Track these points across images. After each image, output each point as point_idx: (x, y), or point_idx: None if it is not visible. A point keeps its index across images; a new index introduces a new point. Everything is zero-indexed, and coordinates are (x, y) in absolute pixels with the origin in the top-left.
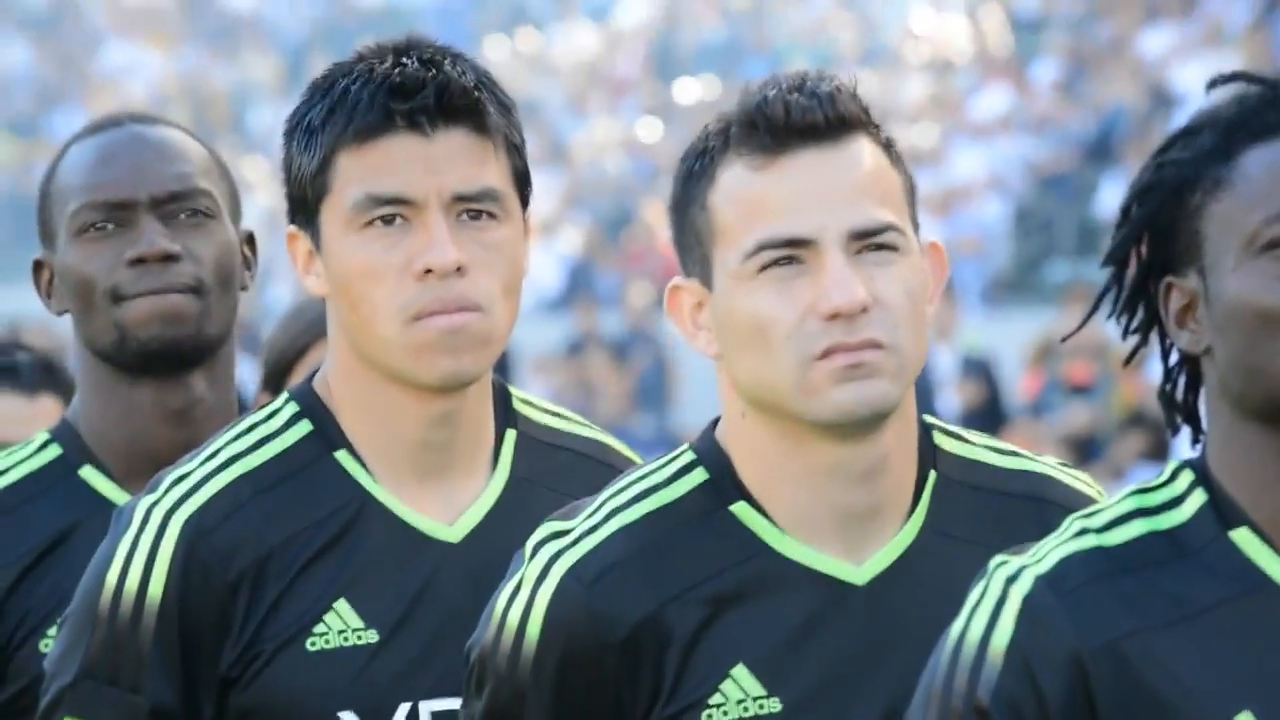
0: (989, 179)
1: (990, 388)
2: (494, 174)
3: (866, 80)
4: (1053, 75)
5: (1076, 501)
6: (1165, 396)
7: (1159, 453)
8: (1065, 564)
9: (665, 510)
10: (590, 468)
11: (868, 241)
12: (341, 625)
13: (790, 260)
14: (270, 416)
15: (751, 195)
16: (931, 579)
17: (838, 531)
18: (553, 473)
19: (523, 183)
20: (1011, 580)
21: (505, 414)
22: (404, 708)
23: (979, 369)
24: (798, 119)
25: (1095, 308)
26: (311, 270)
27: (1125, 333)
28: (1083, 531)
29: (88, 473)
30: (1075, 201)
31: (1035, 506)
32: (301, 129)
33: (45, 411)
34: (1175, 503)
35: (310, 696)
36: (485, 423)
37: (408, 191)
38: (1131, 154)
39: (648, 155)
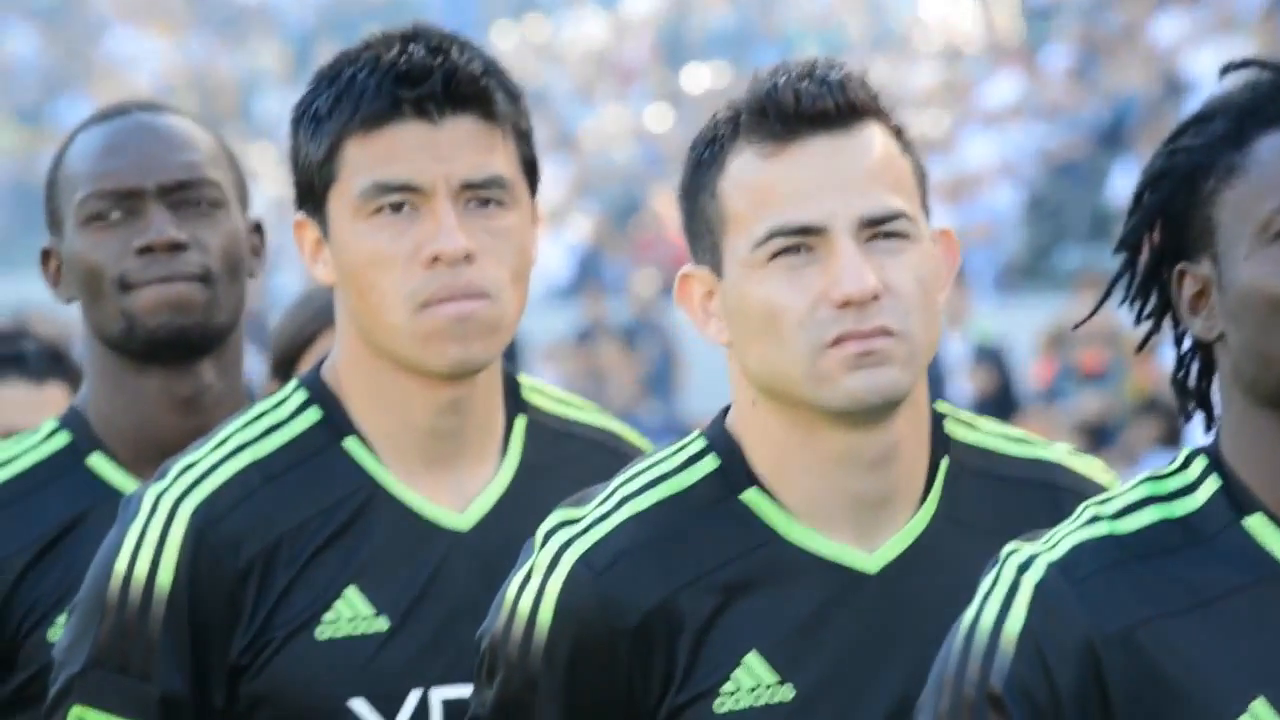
0: (1000, 166)
1: (1002, 375)
2: (502, 161)
3: (876, 67)
4: (1064, 62)
5: (1089, 488)
6: (1178, 383)
7: (1172, 440)
8: (1078, 551)
9: (676, 498)
10: (601, 455)
11: (878, 229)
12: (352, 613)
13: (801, 248)
14: (279, 404)
15: (762, 183)
16: (944, 566)
17: (849, 519)
18: (563, 460)
19: (531, 170)
20: (1024, 568)
21: (514, 401)
22: (414, 695)
23: (991, 356)
24: (808, 106)
25: (1107, 294)
26: (319, 258)
27: (1138, 319)
28: (1095, 519)
29: (96, 461)
30: (1087, 188)
31: (1048, 493)
32: (309, 117)
33: (53, 400)
34: (1188, 490)
35: (320, 684)
36: (494, 410)
37: (415, 179)
38: (1144, 141)
39: (657, 143)
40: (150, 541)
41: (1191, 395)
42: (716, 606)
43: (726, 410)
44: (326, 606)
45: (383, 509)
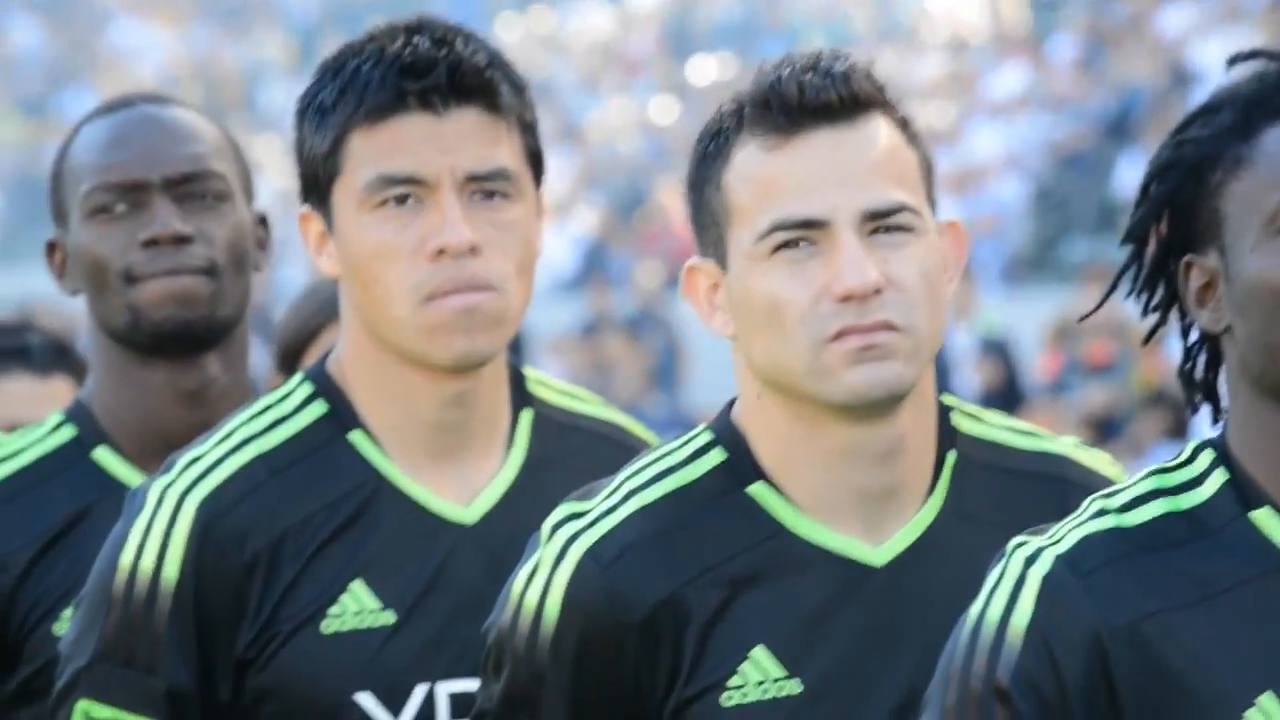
0: (1006, 158)
1: (1008, 368)
2: (507, 153)
3: (882, 58)
4: (1071, 53)
5: (1096, 482)
6: (1185, 376)
7: (1179, 432)
8: (1084, 544)
9: (683, 491)
10: (607, 448)
11: (882, 222)
12: (358, 606)
13: (804, 241)
14: (284, 398)
15: (765, 175)
16: (951, 560)
17: (856, 512)
18: (569, 453)
19: (536, 162)
20: (1030, 561)
21: (520, 394)
22: (421, 689)
23: (997, 349)
24: (811, 99)
25: (1114, 286)
26: (324, 251)
27: (1144, 311)
28: (1102, 512)
29: (101, 454)
30: (1094, 180)
31: (1055, 487)
32: (313, 109)
33: (57, 393)
34: (1195, 482)
35: (327, 678)
36: (500, 403)
37: (420, 171)
38: (1151, 132)
39: (662, 135)
40: (156, 535)
41: (1198, 388)
42: (723, 600)
43: (732, 403)
44: (332, 600)
45: (388, 502)
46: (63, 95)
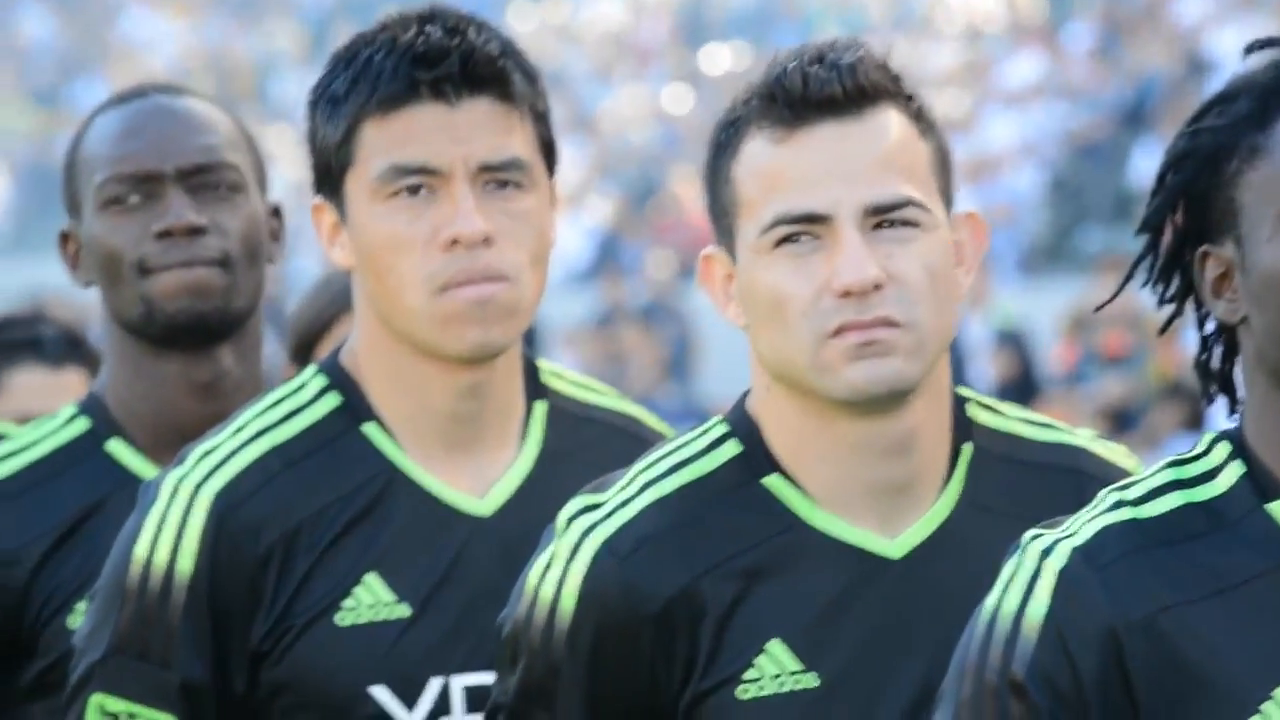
0: (1022, 147)
1: (1023, 359)
2: (520, 143)
3: (897, 47)
4: (1086, 41)
5: (1113, 474)
6: (1201, 367)
7: (1195, 424)
8: (1100, 537)
9: (698, 483)
10: (621, 440)
11: (886, 217)
12: (372, 599)
13: (806, 235)
14: (298, 389)
15: (770, 169)
16: (967, 552)
17: (871, 505)
18: (584, 445)
19: (549, 152)
20: (1046, 553)
21: (534, 386)
22: (435, 682)
23: (1012, 340)
24: (815, 91)
25: (1129, 277)
26: (337, 242)
27: (1160, 302)
28: (1118, 504)
29: (115, 446)
30: (1109, 169)
31: (1072, 479)
32: (325, 99)
33: (70, 385)
34: (1211, 474)
35: (341, 671)
36: (514, 394)
37: (433, 161)
38: (1166, 121)
39: (675, 125)
40: (170, 527)
41: (1214, 379)
42: (739, 592)
43: (747, 394)
44: (346, 593)
45: (402, 494)
46: (74, 85)
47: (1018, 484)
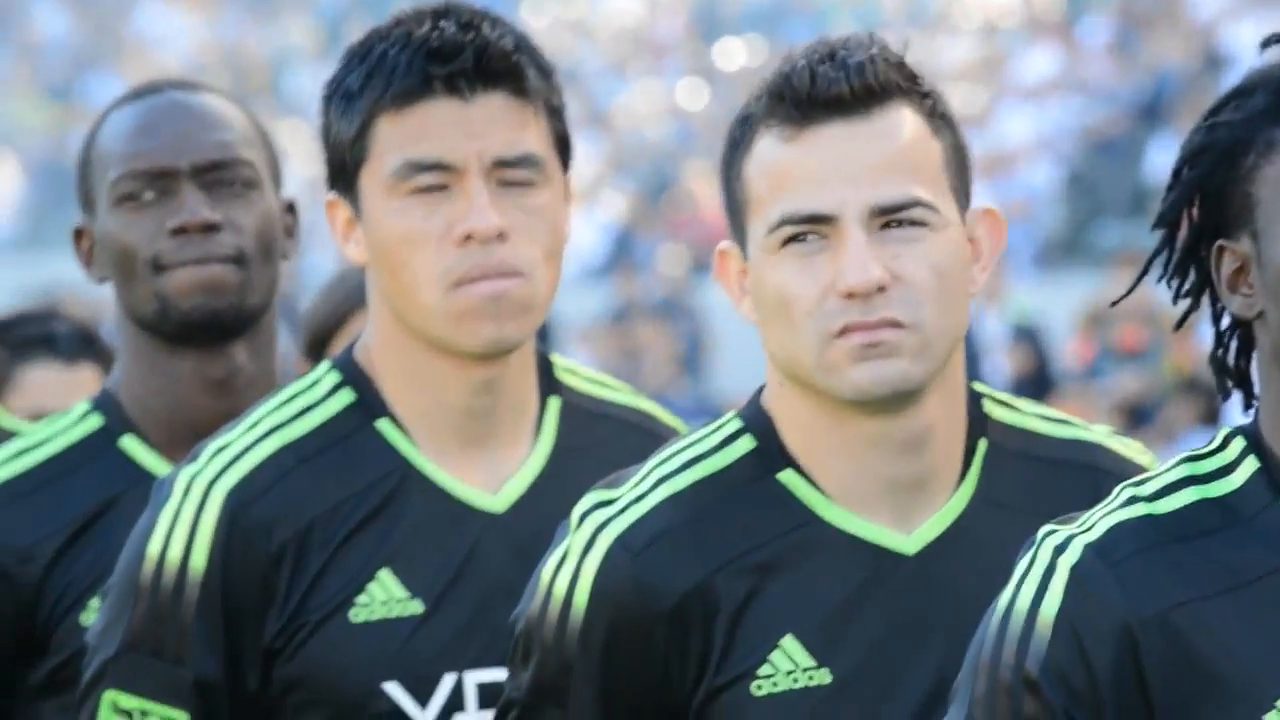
0: (1038, 142)
1: (1039, 354)
2: (534, 138)
3: (912, 42)
4: (1103, 36)
5: (1129, 470)
6: (1217, 362)
7: (1211, 419)
8: (1114, 533)
9: (713, 478)
10: (635, 436)
11: (893, 217)
12: (385, 596)
13: (812, 235)
14: (311, 386)
15: (778, 168)
16: (982, 548)
17: (885, 501)
18: (597, 441)
19: (563, 147)
20: (1060, 550)
21: (548, 382)
22: (449, 679)
23: (1028, 335)
24: (823, 91)
25: (1145, 272)
26: (351, 238)
27: (1176, 297)
28: (1132, 500)
29: (128, 443)
30: (1126, 164)
31: (1088, 475)
32: (340, 95)
33: (84, 381)
34: (1226, 470)
35: (355, 667)
36: (528, 390)
37: (447, 157)
38: (1183, 115)
39: (690, 120)
40: (183, 524)
41: (1230, 374)
42: (753, 588)
43: (761, 390)
44: (360, 589)
45: (416, 491)
46: (88, 81)
47: (1033, 480)
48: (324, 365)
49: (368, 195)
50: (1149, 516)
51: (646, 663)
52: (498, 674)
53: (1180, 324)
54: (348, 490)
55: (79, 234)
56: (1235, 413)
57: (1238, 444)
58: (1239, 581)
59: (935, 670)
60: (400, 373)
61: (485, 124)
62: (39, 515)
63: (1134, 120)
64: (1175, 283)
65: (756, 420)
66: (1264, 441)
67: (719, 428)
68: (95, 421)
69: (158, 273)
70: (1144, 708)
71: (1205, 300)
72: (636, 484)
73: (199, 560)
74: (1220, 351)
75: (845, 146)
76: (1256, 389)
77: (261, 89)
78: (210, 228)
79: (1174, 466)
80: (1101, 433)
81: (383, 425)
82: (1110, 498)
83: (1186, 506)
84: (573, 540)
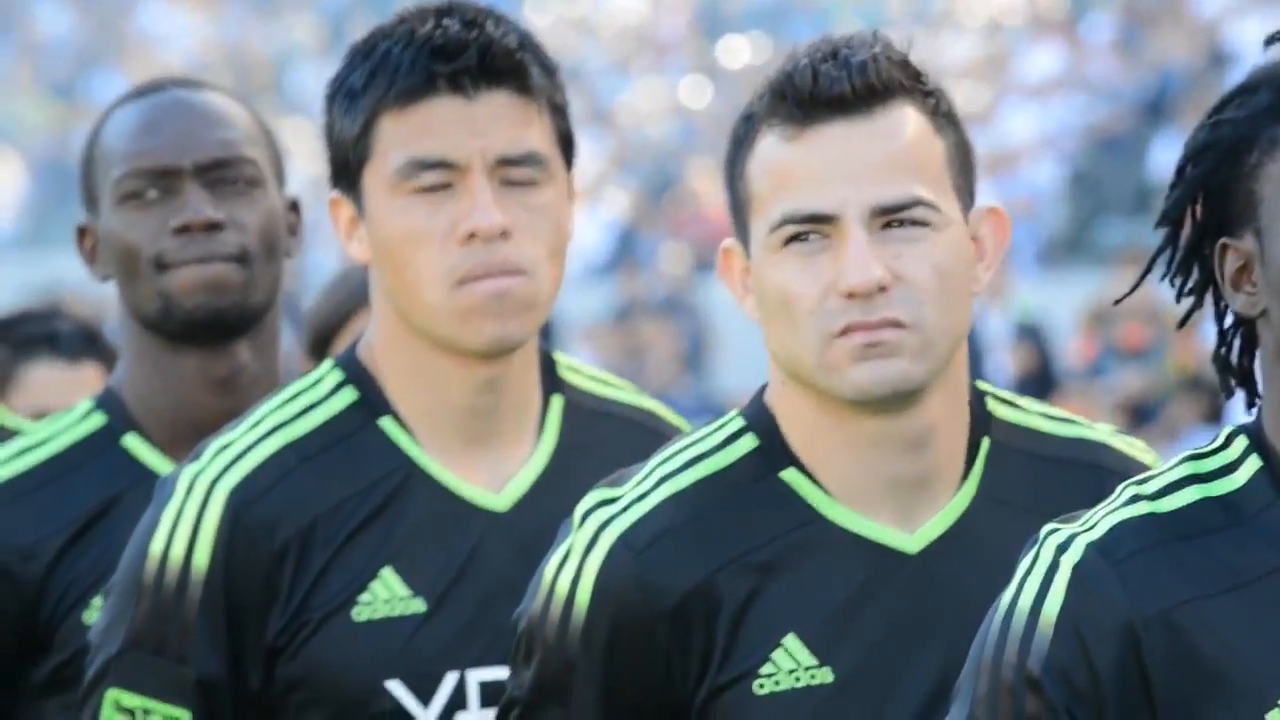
0: (1041, 140)
1: (1042, 352)
2: (538, 136)
3: (916, 40)
4: (1106, 34)
5: (1132, 469)
6: (1220, 360)
7: (1214, 417)
8: (1117, 531)
9: (715, 477)
10: (638, 434)
11: (894, 216)
12: (388, 594)
13: (813, 235)
14: (314, 384)
15: (780, 167)
16: (985, 547)
17: (888, 499)
18: (600, 440)
19: (567, 145)
20: (1062, 548)
21: (551, 380)
22: (451, 677)
23: (1031, 333)
24: (825, 90)
25: (1148, 270)
26: (354, 236)
27: (1179, 295)
28: (1135, 498)
29: (131, 441)
30: (1129, 162)
31: (1091, 474)
32: (343, 93)
33: (87, 380)
34: (1229, 469)
35: (357, 666)
36: (531, 389)
37: (451, 155)
38: (1187, 113)
39: (694, 118)
40: (186, 522)
41: (1234, 372)
42: (755, 587)
43: (764, 389)
44: (362, 588)
45: (419, 489)
46: (91, 79)
47: (1036, 479)
48: (327, 364)
49: (371, 193)
50: (1151, 515)
51: (649, 661)
52: (500, 672)
53: (1183, 322)
54: (350, 489)
55: (82, 232)
56: (1238, 411)
57: (1240, 443)
58: (1241, 580)
59: (937, 669)
60: (403, 371)
61: (489, 122)
62: (42, 514)
63: (1138, 118)
64: (1178, 281)
65: (759, 419)
66: (1267, 440)
67: (721, 426)
68: (98, 420)
69: (161, 271)
70: (1146, 706)
71: (1208, 298)
72: (639, 482)
73: (202, 559)
74: (1223, 350)
75: (847, 146)
76: (1259, 387)
77: (265, 87)
78: (213, 226)
79: (1177, 465)
80: (1105, 431)
81: (385, 424)
82: (1113, 496)
83: (1189, 505)
84: (575, 539)
